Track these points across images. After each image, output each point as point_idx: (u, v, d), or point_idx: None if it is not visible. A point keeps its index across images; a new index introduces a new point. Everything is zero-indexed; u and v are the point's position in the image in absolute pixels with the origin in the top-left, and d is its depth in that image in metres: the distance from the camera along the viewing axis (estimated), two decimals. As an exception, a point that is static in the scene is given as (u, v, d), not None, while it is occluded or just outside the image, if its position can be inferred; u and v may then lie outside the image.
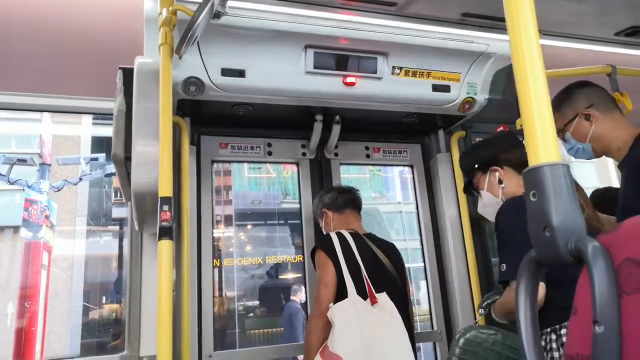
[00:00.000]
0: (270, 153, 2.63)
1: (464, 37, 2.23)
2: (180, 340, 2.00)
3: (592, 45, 2.47)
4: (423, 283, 2.89)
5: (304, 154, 2.67)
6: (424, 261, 2.76)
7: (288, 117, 2.49)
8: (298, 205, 2.69)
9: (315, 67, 2.11)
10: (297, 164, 2.71)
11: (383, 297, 2.00)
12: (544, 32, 2.24)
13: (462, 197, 2.62)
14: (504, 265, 1.51)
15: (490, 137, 1.91)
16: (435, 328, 2.66)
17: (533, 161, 0.68)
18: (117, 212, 11.08)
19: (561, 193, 0.65)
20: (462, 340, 1.61)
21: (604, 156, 1.85)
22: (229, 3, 1.64)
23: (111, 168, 7.10)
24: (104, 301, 10.78)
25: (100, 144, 10.06)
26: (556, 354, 1.40)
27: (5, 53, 2.18)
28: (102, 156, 8.00)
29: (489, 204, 1.76)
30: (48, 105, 2.40)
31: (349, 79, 2.17)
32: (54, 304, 8.48)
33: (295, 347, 2.50)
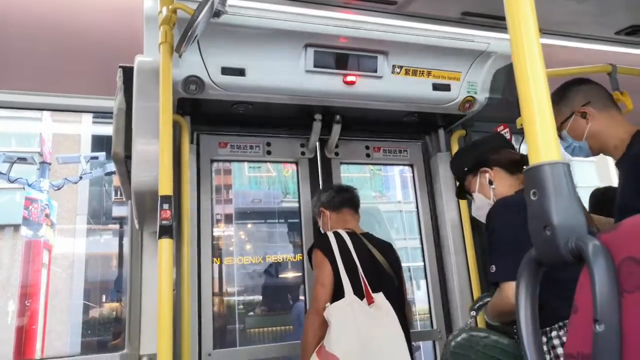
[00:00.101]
0: (269, 152, 2.63)
1: (464, 36, 2.23)
2: (181, 338, 2.01)
3: (593, 45, 2.47)
4: (423, 282, 2.89)
5: (303, 153, 2.67)
6: (424, 260, 2.76)
7: (287, 117, 2.49)
8: (297, 204, 2.69)
9: (315, 66, 2.10)
10: (296, 163, 2.71)
11: (380, 297, 2.01)
12: (544, 31, 2.24)
13: (462, 197, 2.62)
14: (493, 266, 1.50)
15: (478, 139, 1.91)
16: (435, 327, 2.66)
17: (533, 160, 0.68)
18: (118, 211, 11.09)
19: (562, 192, 0.65)
20: (453, 343, 1.61)
21: (604, 155, 1.84)
22: (229, 2, 1.64)
23: (111, 167, 7.10)
24: (104, 300, 10.79)
25: (100, 143, 10.06)
26: (547, 357, 1.40)
27: (6, 51, 2.18)
28: (102, 155, 8.01)
29: (481, 206, 1.75)
30: (48, 104, 2.40)
31: (349, 78, 2.17)
32: (54, 302, 8.49)
33: (294, 346, 2.51)
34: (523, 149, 2.72)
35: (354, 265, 2.04)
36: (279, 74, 2.09)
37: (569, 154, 1.87)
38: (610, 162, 1.80)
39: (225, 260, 3.22)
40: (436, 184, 2.79)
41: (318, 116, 2.44)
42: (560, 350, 1.37)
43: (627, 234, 0.63)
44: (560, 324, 1.39)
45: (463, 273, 2.61)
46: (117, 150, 1.93)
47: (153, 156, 1.71)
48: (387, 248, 2.26)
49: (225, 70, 2.00)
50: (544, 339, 1.42)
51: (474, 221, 2.60)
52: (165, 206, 1.55)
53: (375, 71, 2.19)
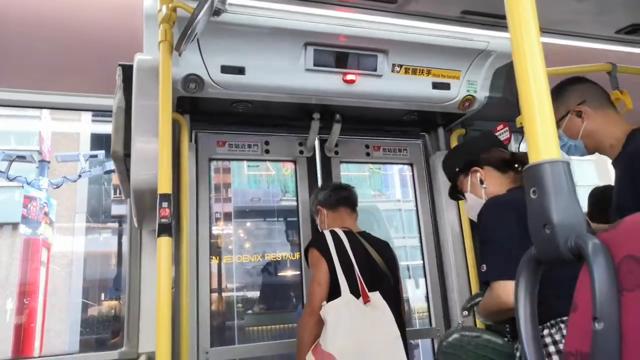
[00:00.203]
0: (267, 151, 2.63)
1: (464, 35, 2.22)
2: (180, 336, 2.01)
3: (593, 43, 2.47)
4: (422, 280, 2.90)
5: (301, 152, 2.67)
6: (423, 259, 2.76)
7: (287, 115, 2.49)
8: (296, 203, 2.69)
9: (315, 65, 2.10)
10: (295, 162, 2.71)
11: (376, 296, 2.01)
12: (544, 30, 2.24)
13: (462, 195, 2.62)
14: (484, 265, 1.49)
15: (468, 139, 1.91)
16: (433, 325, 2.66)
17: (533, 158, 0.68)
18: (117, 209, 11.08)
19: (561, 190, 0.65)
20: (444, 343, 1.61)
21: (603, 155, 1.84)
22: (228, 0, 1.63)
23: (110, 165, 7.09)
24: (103, 298, 10.79)
25: (99, 141, 10.05)
26: None
27: (5, 50, 2.18)
28: (101, 153, 8.01)
29: (474, 206, 1.74)
30: (47, 102, 2.40)
31: (348, 77, 2.17)
32: (53, 300, 8.49)
33: (291, 344, 2.51)
34: (523, 148, 2.72)
35: (351, 264, 2.04)
36: (278, 72, 2.09)
37: (564, 153, 1.87)
38: (609, 161, 1.79)
39: (225, 258, 3.22)
40: (436, 182, 2.79)
41: (316, 115, 2.44)
42: (552, 349, 1.36)
43: (627, 232, 0.63)
44: (553, 322, 1.39)
45: (462, 272, 2.61)
46: (116, 148, 1.93)
47: (152, 154, 1.71)
48: (383, 247, 2.26)
49: (225, 69, 2.00)
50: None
51: (473, 220, 2.60)
52: (165, 204, 1.55)
53: (375, 70, 2.19)
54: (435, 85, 2.30)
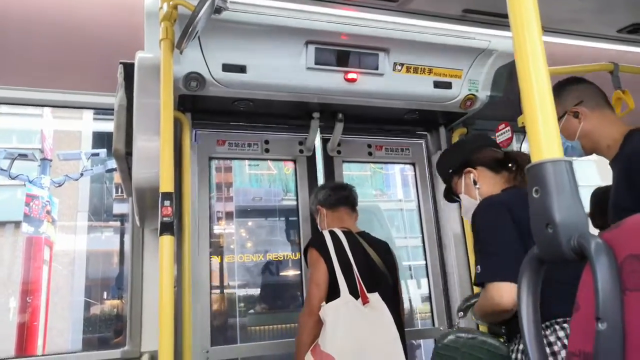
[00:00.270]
0: (267, 150, 2.63)
1: (466, 34, 2.22)
2: (182, 335, 2.01)
3: (595, 43, 2.46)
4: (423, 281, 2.90)
5: (301, 151, 2.67)
6: (425, 258, 2.76)
7: (287, 114, 2.49)
8: (296, 202, 2.69)
9: (316, 63, 2.10)
10: (295, 161, 2.71)
11: (375, 297, 2.01)
12: (546, 29, 2.23)
13: (464, 195, 2.62)
14: (479, 267, 1.49)
15: (461, 140, 1.90)
16: (436, 325, 2.66)
17: (536, 157, 0.68)
18: (119, 208, 11.09)
19: (564, 189, 0.65)
20: (439, 345, 1.61)
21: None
22: (230, -2, 1.63)
23: (112, 163, 7.10)
24: (105, 297, 10.80)
25: (101, 139, 10.06)
26: None
27: (6, 47, 2.18)
28: (103, 152, 8.01)
29: (469, 207, 1.73)
30: (49, 100, 2.40)
31: (350, 75, 2.17)
32: (55, 299, 8.51)
33: (290, 343, 2.52)
34: (524, 147, 2.71)
35: (349, 265, 2.04)
36: (279, 71, 2.08)
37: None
38: (610, 161, 1.78)
39: (226, 257, 3.22)
40: (438, 182, 2.79)
41: (316, 114, 2.44)
42: (546, 350, 1.36)
43: (630, 231, 0.63)
44: (547, 323, 1.39)
45: (464, 271, 2.61)
46: (118, 146, 1.93)
47: (154, 153, 1.71)
48: (382, 247, 2.26)
49: (226, 67, 2.00)
50: None
51: (472, 220, 2.60)
52: (166, 203, 1.55)
53: (377, 68, 2.19)
54: (437, 84, 2.30)
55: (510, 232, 1.46)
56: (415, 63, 2.24)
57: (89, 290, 10.44)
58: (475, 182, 1.73)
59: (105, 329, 9.70)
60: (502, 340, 1.59)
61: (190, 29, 1.59)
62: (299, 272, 2.66)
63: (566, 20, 2.25)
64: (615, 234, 0.63)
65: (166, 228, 1.53)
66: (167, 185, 1.57)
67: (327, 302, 1.98)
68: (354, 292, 1.99)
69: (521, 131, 2.44)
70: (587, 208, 2.66)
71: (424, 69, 2.27)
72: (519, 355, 1.45)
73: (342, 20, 2.04)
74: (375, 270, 2.13)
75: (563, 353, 1.33)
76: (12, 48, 2.19)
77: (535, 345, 0.69)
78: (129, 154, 1.90)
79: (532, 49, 0.70)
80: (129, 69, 1.96)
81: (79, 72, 2.36)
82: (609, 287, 0.60)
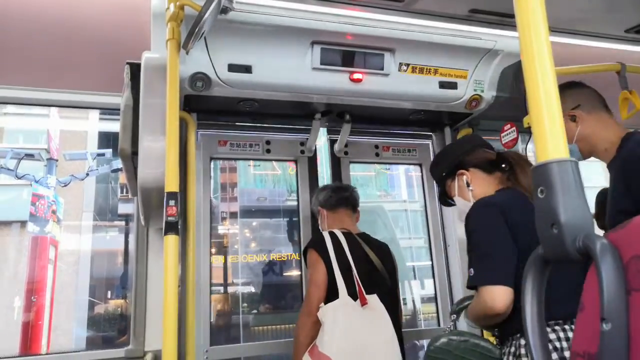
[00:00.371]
0: (268, 150, 2.63)
1: (472, 34, 2.21)
2: (185, 334, 2.01)
3: (602, 43, 2.45)
4: (427, 281, 2.90)
5: (302, 152, 2.68)
6: (431, 259, 2.76)
7: (292, 114, 2.49)
8: (296, 203, 2.70)
9: (322, 64, 2.10)
10: (296, 162, 2.71)
11: (373, 299, 2.01)
12: (553, 29, 2.22)
13: (469, 195, 2.61)
14: (472, 270, 1.48)
15: (452, 142, 1.88)
16: (441, 325, 2.66)
17: (541, 158, 0.68)
18: (123, 208, 11.13)
19: (569, 189, 0.65)
20: (432, 348, 1.61)
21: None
22: (236, -2, 1.64)
23: (118, 164, 7.13)
24: (109, 296, 10.84)
25: (107, 140, 10.11)
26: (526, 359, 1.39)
27: (13, 48, 2.19)
28: (108, 152, 8.05)
29: (464, 209, 1.70)
30: (55, 100, 2.41)
31: (355, 76, 2.16)
32: (60, 298, 8.54)
33: (289, 344, 2.53)
34: (530, 148, 2.71)
35: (349, 266, 2.04)
36: (285, 71, 2.09)
37: None
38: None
39: (230, 258, 3.23)
40: (442, 182, 2.78)
41: (318, 115, 2.45)
42: None
43: (635, 232, 0.63)
44: None
45: (469, 272, 2.60)
46: (123, 146, 1.93)
47: (159, 153, 1.72)
48: (382, 249, 2.26)
49: (232, 67, 2.00)
50: (523, 342, 1.41)
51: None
52: (171, 203, 1.55)
53: (382, 69, 2.18)
54: (442, 85, 2.30)
55: (504, 234, 1.45)
56: (421, 63, 2.24)
57: (94, 290, 10.48)
58: (468, 184, 1.71)
59: (109, 328, 9.73)
60: (494, 343, 1.58)
61: (196, 30, 1.59)
62: (302, 273, 2.66)
63: (573, 20, 2.24)
64: (621, 234, 0.63)
65: (171, 228, 1.54)
66: (172, 185, 1.58)
67: (325, 303, 1.98)
68: (353, 294, 1.99)
69: (527, 132, 2.43)
70: (592, 209, 2.65)
71: (430, 69, 2.26)
72: (511, 358, 1.45)
73: (347, 20, 2.04)
74: (375, 272, 2.13)
75: (555, 356, 1.32)
76: (20, 48, 2.20)
77: (540, 345, 0.69)
78: (134, 153, 1.91)
79: (538, 49, 0.70)
80: (135, 69, 1.97)
81: (85, 72, 2.37)
82: (614, 287, 0.59)
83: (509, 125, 2.51)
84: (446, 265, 2.72)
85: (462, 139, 2.04)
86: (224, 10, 1.63)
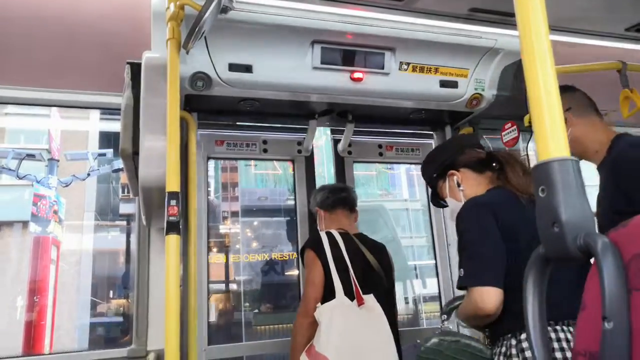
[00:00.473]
0: (265, 150, 2.63)
1: (472, 33, 2.21)
2: (188, 334, 2.01)
3: (602, 41, 2.45)
4: (429, 280, 2.90)
5: (299, 151, 2.68)
6: (435, 258, 2.77)
7: (291, 114, 2.49)
8: (294, 202, 2.71)
9: (322, 63, 2.10)
10: (293, 162, 2.72)
11: (370, 299, 2.01)
12: (553, 28, 2.22)
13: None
14: (462, 270, 1.47)
15: (442, 143, 1.88)
16: (445, 324, 2.66)
17: (542, 156, 0.67)
18: (125, 208, 11.16)
19: (570, 188, 0.65)
20: (422, 348, 1.60)
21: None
22: (236, -2, 1.64)
23: (119, 164, 7.14)
24: (111, 296, 10.87)
25: (107, 139, 10.12)
26: None
27: (14, 47, 2.20)
28: (109, 152, 8.06)
29: (455, 210, 1.69)
30: (56, 100, 2.41)
31: (356, 75, 2.16)
32: (62, 298, 8.56)
33: (287, 343, 2.53)
34: (531, 147, 2.70)
35: (345, 266, 2.05)
36: (285, 70, 2.09)
37: None
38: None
39: (232, 257, 3.23)
40: (444, 181, 2.78)
41: (317, 115, 2.45)
42: (528, 354, 1.34)
43: (636, 231, 0.63)
44: None
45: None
46: (124, 146, 1.93)
47: (160, 152, 1.71)
48: (379, 249, 2.27)
49: (233, 67, 2.00)
50: (513, 342, 1.40)
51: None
52: (173, 202, 1.55)
53: (383, 68, 2.18)
54: (443, 84, 2.29)
55: (494, 235, 1.44)
56: (421, 62, 2.24)
57: (96, 289, 10.51)
58: (459, 184, 1.70)
59: (111, 328, 9.75)
60: (485, 343, 1.58)
61: (196, 29, 1.59)
62: (299, 272, 2.68)
63: (573, 19, 2.24)
64: (622, 233, 0.63)
65: (172, 227, 1.54)
66: (173, 184, 1.58)
67: (322, 303, 1.99)
68: (350, 293, 2.00)
69: (527, 130, 2.43)
70: (593, 208, 2.64)
71: (430, 68, 2.26)
72: (502, 358, 1.44)
73: (348, 19, 2.04)
74: (371, 272, 2.13)
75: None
76: (20, 48, 2.20)
77: (541, 345, 0.69)
78: (135, 153, 1.91)
79: (538, 48, 0.70)
80: (135, 68, 1.97)
81: (86, 72, 2.37)
82: (616, 286, 0.59)
83: (509, 124, 2.51)
84: (450, 264, 2.72)
85: (451, 139, 2.04)
86: (224, 10, 1.63)
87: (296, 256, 3.32)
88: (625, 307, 0.59)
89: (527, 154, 2.83)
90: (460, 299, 1.70)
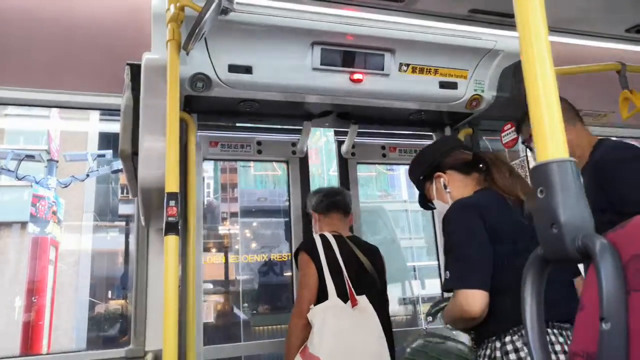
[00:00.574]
0: (260, 151, 2.63)
1: (472, 34, 2.21)
2: (186, 334, 2.01)
3: (602, 42, 2.45)
4: (428, 281, 2.90)
5: (293, 153, 2.68)
6: (438, 259, 2.78)
7: (290, 115, 2.49)
8: (288, 204, 2.71)
9: (322, 64, 2.10)
10: (287, 163, 2.72)
11: (363, 300, 2.03)
12: (552, 29, 2.22)
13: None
14: (448, 272, 1.47)
15: (428, 145, 1.88)
16: (449, 325, 2.67)
17: (541, 158, 0.68)
18: (124, 209, 11.15)
19: (569, 189, 0.65)
20: (409, 350, 1.60)
21: None
22: (236, -1, 1.64)
23: (118, 165, 7.14)
24: (110, 296, 10.85)
25: (107, 140, 10.11)
26: None
27: (13, 49, 2.20)
28: (109, 153, 8.06)
29: (442, 212, 1.67)
30: (56, 101, 2.41)
31: (355, 76, 2.16)
32: (60, 298, 8.55)
33: (282, 344, 2.54)
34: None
35: (339, 268, 2.07)
36: (285, 71, 2.09)
37: None
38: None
39: (231, 257, 3.24)
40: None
41: (309, 117, 2.46)
42: (513, 357, 1.34)
43: (634, 232, 0.63)
44: (515, 328, 1.37)
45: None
46: (124, 147, 1.93)
47: (160, 153, 1.71)
48: (372, 251, 2.29)
49: (232, 68, 2.00)
50: (498, 344, 1.39)
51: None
52: (172, 203, 1.55)
53: (382, 69, 2.18)
54: (443, 85, 2.30)
55: (481, 237, 1.44)
56: (421, 63, 2.24)
57: (94, 290, 10.49)
58: (445, 186, 1.69)
59: (110, 328, 9.74)
60: (471, 345, 1.58)
61: (196, 30, 1.59)
62: (292, 274, 2.68)
63: (573, 20, 2.24)
64: (620, 234, 0.63)
65: (171, 228, 1.54)
66: (172, 185, 1.58)
67: (316, 305, 2.00)
68: (343, 295, 2.01)
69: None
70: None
71: (430, 69, 2.26)
72: None
73: (347, 20, 2.04)
74: (364, 273, 2.15)
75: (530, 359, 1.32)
76: (20, 49, 2.20)
77: (539, 346, 0.69)
78: (135, 154, 1.91)
79: (538, 49, 0.70)
80: (135, 70, 1.97)
81: (85, 73, 2.37)
82: (614, 287, 0.59)
83: (509, 125, 2.51)
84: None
85: (437, 140, 2.04)
86: (224, 11, 1.63)
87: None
88: (623, 308, 0.59)
89: (527, 155, 2.84)
90: (445, 300, 1.69)
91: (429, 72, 2.26)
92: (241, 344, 2.48)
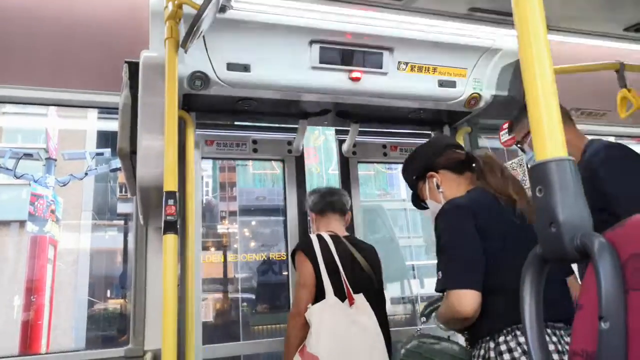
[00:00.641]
0: (255, 150, 2.63)
1: (471, 32, 2.22)
2: (185, 333, 2.01)
3: (601, 41, 2.45)
4: (426, 280, 2.90)
5: (289, 151, 2.68)
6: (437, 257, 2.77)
7: (285, 113, 2.48)
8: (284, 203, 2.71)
9: (320, 62, 2.10)
10: (283, 161, 2.72)
11: (360, 299, 2.04)
12: (551, 28, 2.23)
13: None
14: (440, 273, 1.47)
15: (421, 145, 1.89)
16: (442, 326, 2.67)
17: (540, 157, 0.68)
18: (122, 208, 11.13)
19: (567, 188, 0.65)
20: (403, 350, 1.60)
21: None
22: (234, -3, 1.63)
23: (116, 163, 7.12)
24: (108, 295, 10.84)
25: (105, 139, 10.09)
26: None
27: (11, 47, 2.19)
28: (107, 151, 8.04)
29: (435, 212, 1.66)
30: (54, 99, 2.40)
31: (354, 74, 2.16)
32: (59, 297, 8.55)
33: (280, 342, 2.54)
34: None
35: (336, 267, 2.08)
36: (284, 70, 2.08)
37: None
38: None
39: (230, 256, 3.24)
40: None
41: (305, 116, 2.46)
42: (507, 357, 1.34)
43: (633, 231, 0.63)
44: (509, 329, 1.37)
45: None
46: (122, 145, 1.93)
47: (158, 152, 1.71)
48: (369, 251, 2.30)
49: (231, 66, 2.00)
50: (492, 345, 1.39)
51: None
52: (170, 202, 1.55)
53: (381, 67, 2.18)
54: (441, 83, 2.29)
55: (473, 237, 1.43)
56: (420, 62, 2.24)
57: (93, 289, 10.48)
58: (438, 186, 1.69)
59: (109, 328, 9.74)
60: (465, 345, 1.58)
61: (195, 28, 1.59)
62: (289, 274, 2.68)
63: (572, 19, 2.24)
64: (619, 233, 0.63)
65: (170, 227, 1.54)
66: (170, 184, 1.58)
67: (313, 304, 2.01)
68: (340, 294, 2.03)
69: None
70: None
71: (429, 67, 2.26)
72: None
73: (346, 19, 2.04)
74: (362, 273, 2.16)
75: (524, 359, 1.32)
76: (17, 47, 2.20)
77: (538, 345, 0.69)
78: (133, 152, 1.90)
79: (537, 48, 0.70)
80: (133, 68, 1.96)
81: (83, 71, 2.37)
82: (612, 286, 0.59)
83: (508, 124, 2.52)
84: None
85: (430, 140, 2.04)
86: (223, 9, 1.63)
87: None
88: (622, 307, 0.59)
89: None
90: (438, 301, 1.69)
91: (428, 70, 2.26)
92: (242, 343, 2.48)
